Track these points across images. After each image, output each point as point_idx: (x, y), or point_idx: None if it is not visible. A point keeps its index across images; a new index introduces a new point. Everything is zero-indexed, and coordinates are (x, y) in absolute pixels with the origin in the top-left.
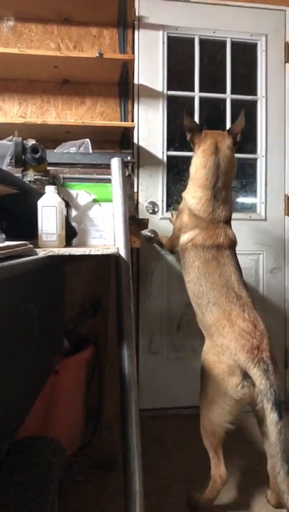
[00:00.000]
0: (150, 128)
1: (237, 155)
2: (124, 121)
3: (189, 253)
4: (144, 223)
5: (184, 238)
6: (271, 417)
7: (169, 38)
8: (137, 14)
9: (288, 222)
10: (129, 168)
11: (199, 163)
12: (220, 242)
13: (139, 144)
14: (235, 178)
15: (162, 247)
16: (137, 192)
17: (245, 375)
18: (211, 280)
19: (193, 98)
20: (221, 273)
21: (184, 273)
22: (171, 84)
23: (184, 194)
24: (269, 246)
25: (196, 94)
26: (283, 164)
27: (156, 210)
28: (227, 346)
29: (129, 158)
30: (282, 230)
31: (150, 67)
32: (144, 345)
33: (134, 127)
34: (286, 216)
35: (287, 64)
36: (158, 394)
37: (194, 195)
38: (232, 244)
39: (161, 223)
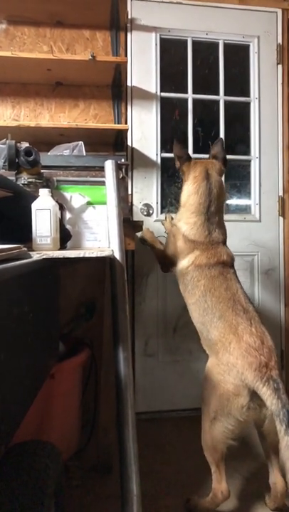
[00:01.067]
0: (144, 130)
1: (231, 156)
2: (118, 123)
3: (193, 274)
4: (138, 225)
5: (184, 263)
6: (286, 441)
7: (161, 39)
8: (129, 16)
9: (282, 223)
10: (123, 170)
11: (191, 189)
12: (224, 259)
13: (133, 145)
14: (229, 179)
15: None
16: (132, 194)
17: (253, 396)
18: (216, 294)
19: (186, 100)
20: (227, 287)
21: (187, 295)
22: (164, 86)
23: (176, 221)
24: (263, 247)
25: (190, 95)
26: (276, 165)
27: (150, 212)
28: (233, 364)
29: (122, 160)
30: (277, 231)
31: (143, 69)
32: (140, 348)
33: (127, 129)
34: (280, 217)
35: (279, 65)
36: (154, 397)
37: (188, 221)
38: (233, 262)
39: (155, 225)
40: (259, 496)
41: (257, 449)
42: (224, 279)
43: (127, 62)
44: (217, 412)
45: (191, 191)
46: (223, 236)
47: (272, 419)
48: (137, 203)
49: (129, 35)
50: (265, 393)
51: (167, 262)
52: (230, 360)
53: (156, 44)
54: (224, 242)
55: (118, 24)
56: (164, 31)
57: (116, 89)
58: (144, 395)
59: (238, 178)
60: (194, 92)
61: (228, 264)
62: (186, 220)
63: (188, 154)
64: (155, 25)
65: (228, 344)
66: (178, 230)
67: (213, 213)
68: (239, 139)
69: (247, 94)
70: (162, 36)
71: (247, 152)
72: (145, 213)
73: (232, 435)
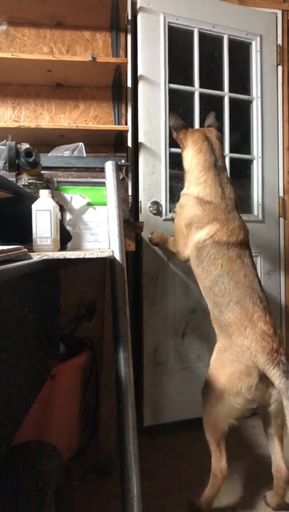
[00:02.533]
0: (152, 122)
1: (233, 155)
2: (118, 124)
3: (210, 250)
4: (139, 226)
5: (201, 234)
6: None
7: (169, 27)
8: (136, 3)
9: (282, 224)
10: (124, 171)
11: (193, 151)
12: (242, 238)
13: (140, 140)
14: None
15: (166, 250)
16: (137, 192)
17: (261, 377)
18: (235, 279)
19: (193, 93)
20: (245, 274)
21: (201, 271)
22: (171, 78)
23: (185, 190)
24: (266, 248)
25: (196, 89)
26: (277, 166)
27: (160, 209)
28: (247, 347)
29: (123, 161)
30: (277, 231)
31: (151, 57)
32: (148, 357)
33: (128, 130)
34: (280, 218)
35: (279, 66)
36: (163, 407)
37: (198, 181)
38: (248, 238)
39: (165, 225)
40: (260, 496)
41: (256, 450)
42: (242, 264)
43: (127, 63)
44: (225, 390)
45: (193, 153)
46: (235, 195)
47: (279, 401)
48: (145, 201)
49: (132, 27)
50: (275, 374)
51: (181, 245)
52: (245, 343)
53: (164, 30)
54: (236, 204)
55: (118, 25)
56: (172, 18)
57: (116, 90)
58: (152, 408)
59: (240, 177)
60: (200, 86)
61: (244, 243)
62: (196, 181)
63: (184, 124)
64: (163, 11)
65: (244, 329)
66: (188, 197)
67: (221, 168)
68: (242, 137)
69: (249, 92)
70: (170, 23)
71: (248, 151)
72: (154, 212)
73: (237, 414)
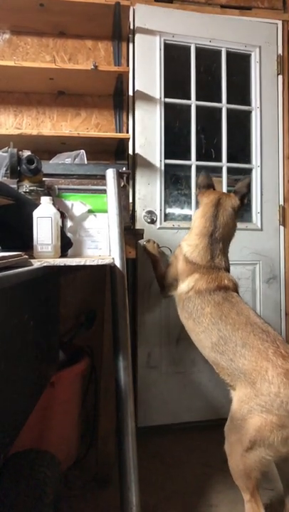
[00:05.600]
0: (147, 135)
1: (232, 164)
2: (119, 132)
3: (195, 301)
4: (139, 234)
5: (183, 287)
6: None
7: (165, 44)
8: (133, 20)
9: (283, 232)
10: (124, 178)
11: (199, 213)
12: (225, 284)
13: (136, 151)
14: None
15: (153, 270)
16: (134, 201)
17: None
18: (230, 321)
19: (189, 106)
20: (238, 312)
21: (192, 324)
22: (167, 92)
23: (181, 242)
24: (265, 256)
25: (193, 102)
26: (277, 175)
27: (154, 219)
28: (276, 394)
29: (124, 168)
30: (277, 239)
31: (147, 74)
32: (142, 360)
33: (129, 138)
34: (281, 226)
35: (279, 76)
36: (157, 410)
37: (190, 243)
38: (237, 289)
39: (159, 233)
40: None
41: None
42: (231, 305)
43: (128, 71)
44: (256, 442)
45: (198, 215)
46: (226, 264)
47: None
48: (140, 210)
49: (132, 41)
50: None
51: (167, 283)
52: (272, 390)
53: (160, 48)
54: (227, 270)
55: (120, 34)
56: (168, 36)
57: (118, 99)
58: (146, 409)
59: None
60: (197, 98)
61: (230, 288)
62: (189, 242)
63: (211, 184)
64: (159, 30)
65: (265, 372)
66: (180, 251)
67: (217, 239)
68: (241, 147)
69: (248, 103)
70: (166, 41)
71: (248, 161)
72: (148, 221)
73: (269, 463)
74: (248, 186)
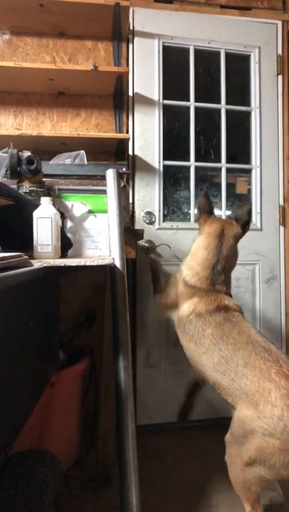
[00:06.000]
0: (146, 137)
1: (232, 165)
2: (119, 132)
3: (196, 323)
4: (139, 234)
5: (184, 311)
6: None
7: (164, 47)
8: (132, 23)
9: (283, 232)
10: (124, 179)
11: (202, 243)
12: (226, 304)
13: (135, 153)
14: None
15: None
16: (133, 202)
17: None
18: (231, 341)
19: (188, 108)
20: (239, 331)
21: (193, 346)
22: (166, 94)
23: (182, 266)
24: (265, 256)
25: (192, 103)
26: (277, 175)
27: (152, 220)
28: (279, 418)
29: (124, 169)
30: (277, 239)
31: (146, 76)
32: (141, 359)
33: (128, 139)
34: (281, 226)
35: (279, 76)
36: (156, 409)
37: (191, 269)
38: (240, 310)
39: (157, 234)
40: None
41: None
42: (232, 324)
43: (128, 72)
44: (256, 460)
45: (200, 245)
46: (227, 290)
47: None
48: (139, 211)
49: (131, 42)
50: None
51: (166, 304)
52: (276, 413)
53: (158, 51)
54: (229, 295)
55: (120, 35)
56: (167, 38)
57: (118, 99)
58: (145, 408)
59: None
60: (196, 100)
61: (231, 308)
62: (190, 267)
63: (211, 209)
64: (158, 33)
65: (268, 394)
66: (180, 275)
67: (219, 272)
68: (240, 147)
69: (248, 103)
70: (165, 43)
71: (248, 161)
72: (147, 221)
73: (270, 482)
74: (249, 213)
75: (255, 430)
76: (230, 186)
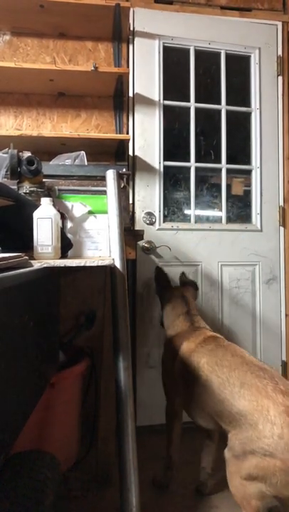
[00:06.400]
0: (147, 137)
1: (233, 166)
2: (120, 133)
3: (192, 360)
4: (139, 235)
5: (182, 355)
6: None
7: (164, 47)
8: (132, 24)
9: (283, 232)
10: (124, 179)
11: (170, 307)
12: (211, 334)
13: (136, 153)
14: None
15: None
16: (133, 202)
17: None
18: (226, 364)
19: (188, 108)
20: (232, 354)
21: (196, 385)
22: (167, 94)
23: (165, 339)
24: (265, 257)
25: (192, 104)
26: (277, 176)
27: (153, 220)
28: (280, 436)
29: (124, 170)
30: (277, 240)
31: (146, 76)
32: (141, 360)
33: (129, 139)
34: (280, 227)
35: (279, 77)
36: (156, 409)
37: (171, 326)
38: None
39: (158, 234)
40: None
41: None
42: (224, 348)
43: (128, 72)
44: (257, 478)
45: (169, 309)
46: (206, 325)
47: None
48: (139, 212)
49: (131, 42)
50: None
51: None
52: (276, 431)
53: (159, 51)
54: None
55: (120, 36)
56: (167, 39)
57: (118, 100)
58: (145, 408)
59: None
60: (196, 100)
61: (220, 337)
62: (170, 327)
63: (168, 281)
64: (158, 33)
65: (267, 412)
66: (165, 341)
67: (192, 314)
68: (240, 148)
69: (248, 104)
70: (165, 44)
71: (248, 162)
72: (147, 222)
73: (270, 499)
74: (192, 280)
75: (255, 451)
76: (227, 187)
